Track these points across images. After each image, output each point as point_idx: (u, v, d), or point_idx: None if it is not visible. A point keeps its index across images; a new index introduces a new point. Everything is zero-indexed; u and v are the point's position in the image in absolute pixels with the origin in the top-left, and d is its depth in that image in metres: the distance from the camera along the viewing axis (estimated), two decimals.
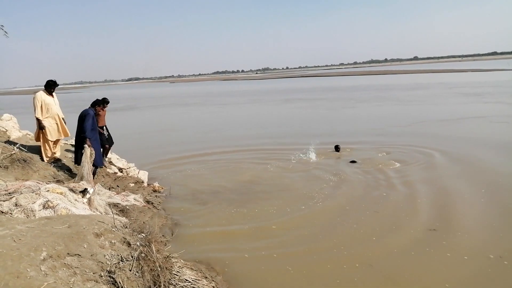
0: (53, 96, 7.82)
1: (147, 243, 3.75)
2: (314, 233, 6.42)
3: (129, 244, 3.59)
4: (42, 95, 7.59)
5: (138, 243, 3.66)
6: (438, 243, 5.77)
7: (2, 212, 4.25)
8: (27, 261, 2.87)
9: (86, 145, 6.96)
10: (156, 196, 8.66)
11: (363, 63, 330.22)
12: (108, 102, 8.62)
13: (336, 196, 8.30)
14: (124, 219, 5.00)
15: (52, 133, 7.68)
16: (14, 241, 3.11)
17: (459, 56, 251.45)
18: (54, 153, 7.88)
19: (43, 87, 7.76)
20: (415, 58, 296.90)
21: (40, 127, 7.53)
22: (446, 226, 6.38)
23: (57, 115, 7.81)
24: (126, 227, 4.03)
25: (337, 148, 12.09)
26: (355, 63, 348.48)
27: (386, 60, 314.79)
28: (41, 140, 7.63)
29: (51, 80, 7.78)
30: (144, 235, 3.96)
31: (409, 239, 5.98)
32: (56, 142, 7.96)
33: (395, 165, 10.25)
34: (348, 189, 8.70)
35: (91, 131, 7.28)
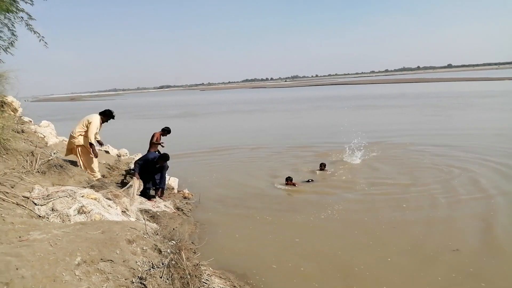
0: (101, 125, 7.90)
1: (177, 251, 3.79)
2: (334, 249, 6.25)
3: (160, 251, 3.63)
4: (98, 122, 7.69)
5: (168, 250, 3.69)
6: (466, 268, 5.33)
7: (40, 217, 4.40)
8: (62, 265, 2.95)
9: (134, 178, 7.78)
10: (186, 203, 8.75)
11: (395, 70, 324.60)
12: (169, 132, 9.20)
13: (355, 208, 8.15)
14: (154, 226, 5.08)
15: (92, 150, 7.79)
16: (51, 245, 3.20)
17: (496, 64, 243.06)
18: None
19: (99, 114, 7.79)
20: (449, 66, 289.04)
21: (94, 155, 7.71)
22: (469, 247, 5.98)
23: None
24: (157, 233, 4.08)
25: (321, 166, 11.06)
26: (386, 70, 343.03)
27: (418, 68, 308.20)
28: (83, 158, 7.67)
29: (109, 111, 7.86)
30: (174, 242, 4.01)
31: (430, 261, 5.59)
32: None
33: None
34: (367, 202, 8.53)
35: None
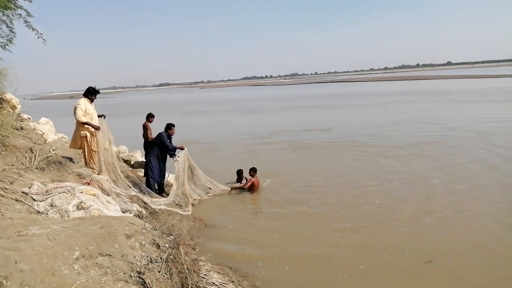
0: (92, 105, 7.58)
1: (176, 246, 3.81)
2: (316, 248, 6.18)
3: (158, 246, 3.65)
4: (85, 103, 7.34)
5: (167, 245, 3.71)
6: (443, 282, 4.98)
7: (39, 212, 4.42)
8: (61, 259, 2.96)
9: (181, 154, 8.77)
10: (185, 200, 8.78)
11: (394, 68, 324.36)
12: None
13: (327, 202, 8.28)
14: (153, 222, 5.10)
15: (95, 143, 7.49)
16: (49, 240, 3.21)
17: (495, 61, 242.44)
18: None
19: (83, 95, 7.51)
20: (449, 63, 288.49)
21: (94, 128, 7.31)
22: (443, 257, 5.58)
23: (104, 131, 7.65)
24: (156, 229, 4.10)
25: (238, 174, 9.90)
26: (386, 68, 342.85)
27: (418, 65, 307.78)
28: (86, 150, 7.39)
29: (92, 88, 7.54)
30: (172, 237, 4.03)
31: (404, 275, 5.20)
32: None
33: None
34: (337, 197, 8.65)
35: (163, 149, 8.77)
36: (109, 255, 3.25)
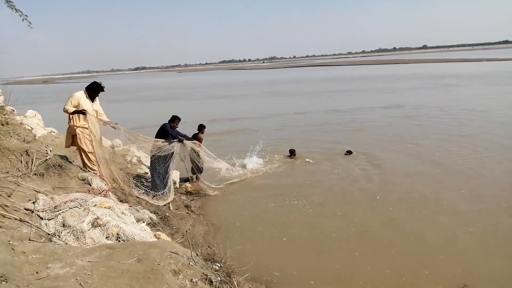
0: (92, 102, 6.70)
1: (228, 277, 3.14)
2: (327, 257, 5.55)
3: (211, 282, 2.96)
4: (80, 97, 6.49)
5: (219, 279, 3.04)
6: None
7: (49, 234, 3.64)
8: None
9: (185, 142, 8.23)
10: (192, 199, 8.06)
11: (372, 52, 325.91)
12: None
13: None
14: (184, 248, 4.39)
15: (87, 143, 6.56)
16: (81, 285, 2.49)
17: (470, 45, 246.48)
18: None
19: (85, 88, 6.68)
20: (424, 47, 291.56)
21: (82, 112, 6.36)
22: (479, 281, 4.68)
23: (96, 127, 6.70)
24: (197, 254, 3.41)
25: (292, 153, 10.85)
26: (363, 52, 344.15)
27: (394, 49, 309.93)
28: (81, 151, 6.54)
29: (96, 83, 6.70)
30: (219, 265, 3.35)
31: None
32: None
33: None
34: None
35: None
36: None
